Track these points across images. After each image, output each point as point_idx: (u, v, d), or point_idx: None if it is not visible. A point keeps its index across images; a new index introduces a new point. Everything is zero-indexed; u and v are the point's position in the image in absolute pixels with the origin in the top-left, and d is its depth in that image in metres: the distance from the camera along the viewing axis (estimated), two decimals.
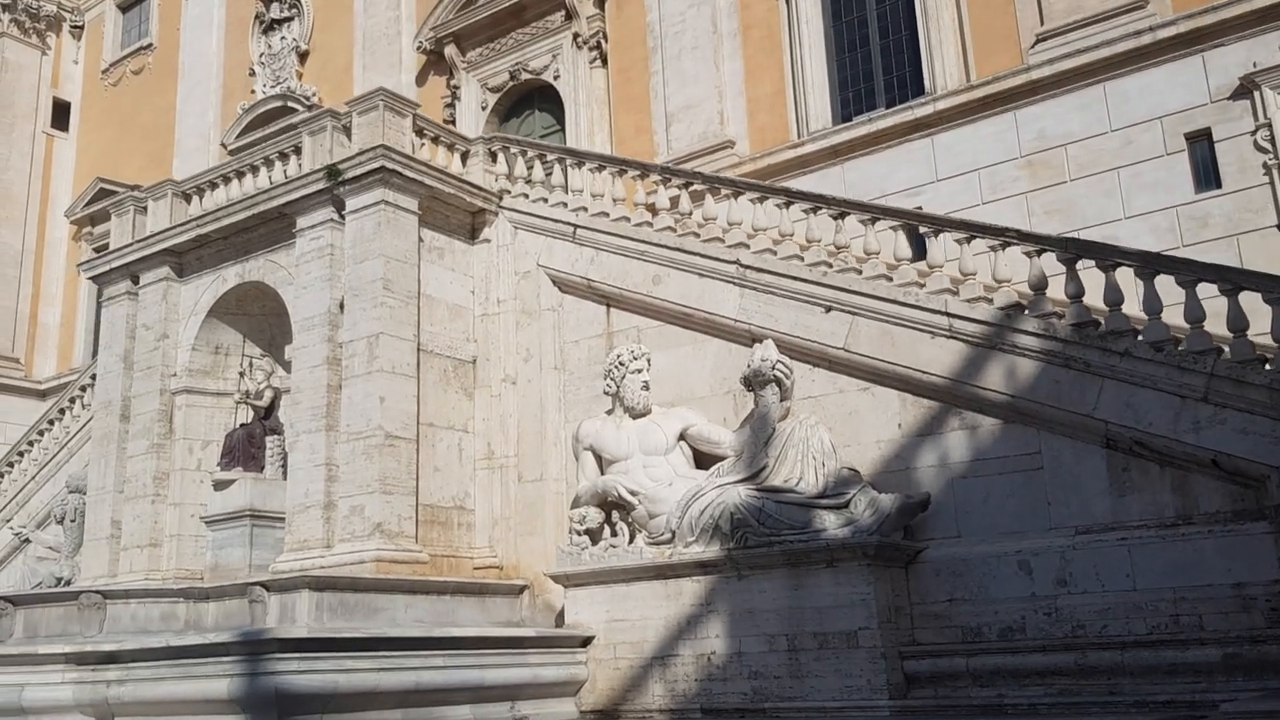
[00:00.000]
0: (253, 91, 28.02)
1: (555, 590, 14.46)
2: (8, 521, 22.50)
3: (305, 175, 15.49)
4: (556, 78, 22.16)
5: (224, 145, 27.70)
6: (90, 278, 18.35)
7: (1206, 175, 14.96)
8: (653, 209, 14.96)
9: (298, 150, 16.46)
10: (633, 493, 13.06)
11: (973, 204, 16.34)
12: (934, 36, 17.58)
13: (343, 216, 15.32)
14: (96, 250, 30.69)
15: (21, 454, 22.80)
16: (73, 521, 19.23)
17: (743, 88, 19.60)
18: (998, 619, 11.31)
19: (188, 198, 17.74)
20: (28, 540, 21.22)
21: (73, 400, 22.08)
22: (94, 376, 21.56)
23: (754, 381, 12.69)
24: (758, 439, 12.62)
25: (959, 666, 11.08)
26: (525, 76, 22.59)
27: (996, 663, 10.92)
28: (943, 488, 12.04)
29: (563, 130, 21.94)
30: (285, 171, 16.45)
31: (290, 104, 26.48)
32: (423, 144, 15.92)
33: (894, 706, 10.97)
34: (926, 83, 17.63)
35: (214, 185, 17.41)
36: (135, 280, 17.78)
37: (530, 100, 23.05)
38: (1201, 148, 15.06)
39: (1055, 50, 16.18)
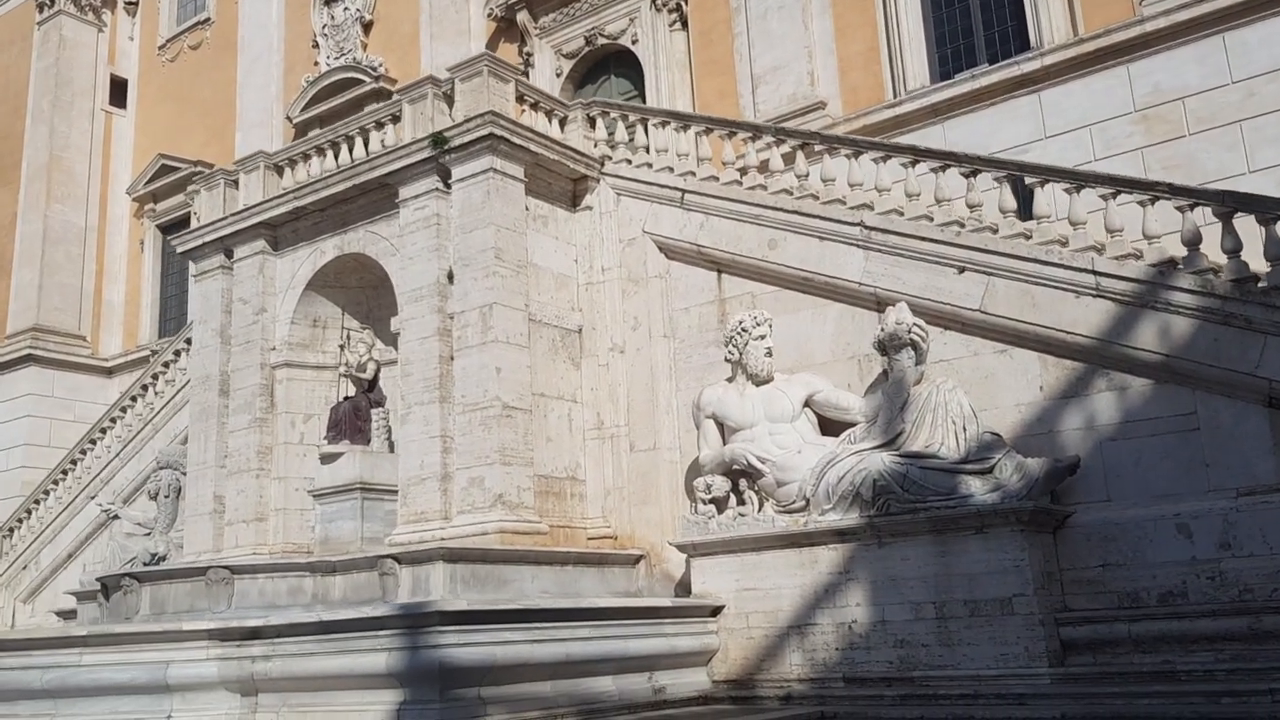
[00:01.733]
0: (316, 64, 27.74)
1: (674, 559, 14.29)
2: (92, 498, 22.56)
3: (408, 144, 15.24)
4: (634, 42, 21.78)
5: (289, 119, 27.48)
6: (182, 253, 18.20)
7: None
8: (766, 170, 14.62)
9: (395, 119, 16.21)
10: (762, 460, 12.83)
11: (1085, 160, 15.86)
12: None
13: (448, 185, 15.09)
14: (161, 228, 30.80)
15: (104, 430, 22.81)
16: (166, 497, 19.18)
17: (833, 46, 19.19)
18: (1156, 584, 11.03)
19: (280, 170, 17.54)
20: (116, 516, 21.20)
21: (155, 376, 22.04)
22: (176, 353, 21.61)
23: (889, 345, 12.40)
24: (893, 404, 12.34)
25: (1120, 633, 10.82)
26: (601, 41, 22.22)
27: (1161, 628, 10.65)
28: (1090, 451, 11.74)
29: (641, 96, 21.56)
30: (383, 141, 16.21)
31: (356, 75, 26.19)
32: (523, 110, 15.64)
33: (1055, 674, 10.73)
34: (1032, 37, 17.16)
35: (307, 157, 17.20)
36: (229, 254, 17.62)
37: (606, 66, 22.70)
38: None
39: (1170, 1, 15.69)
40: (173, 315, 30.33)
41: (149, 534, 20.36)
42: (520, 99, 15.57)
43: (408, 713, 9.84)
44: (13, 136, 32.09)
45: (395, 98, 16.40)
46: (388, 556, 12.58)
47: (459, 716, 9.80)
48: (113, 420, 22.68)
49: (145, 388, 22.17)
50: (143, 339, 30.32)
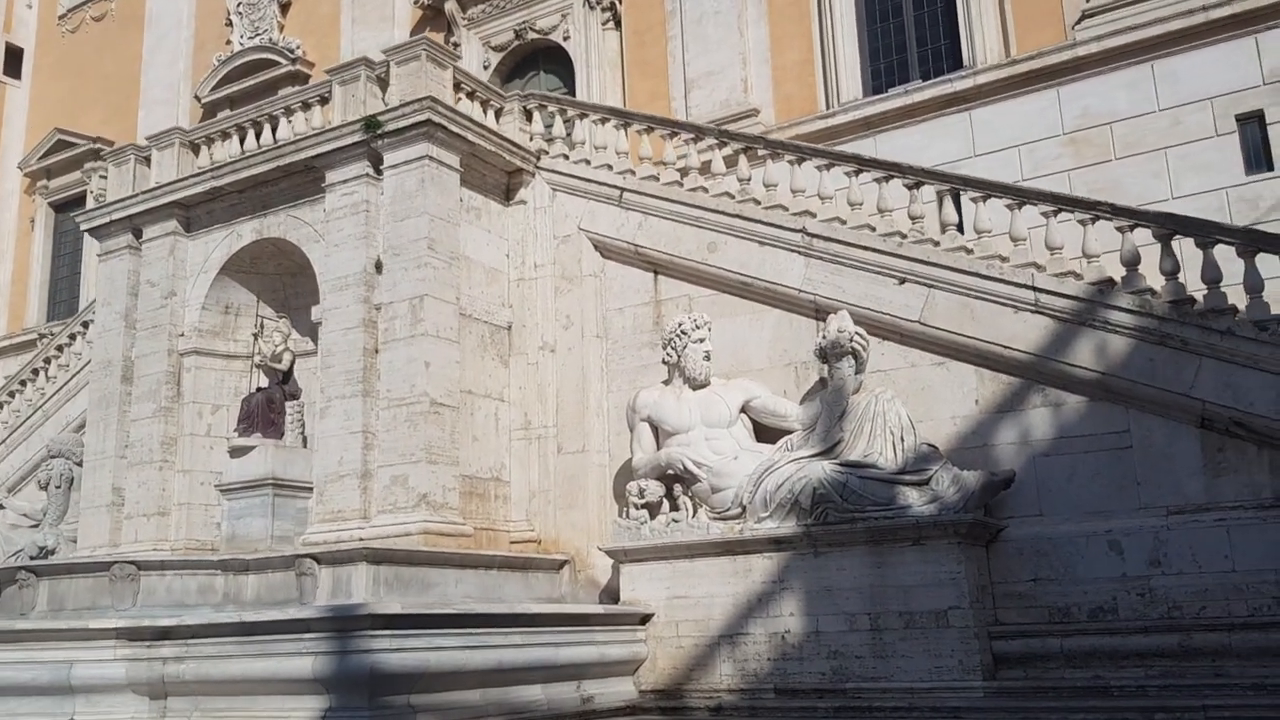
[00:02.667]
0: (228, 43, 26.73)
1: (600, 565, 14.02)
2: None
3: (338, 126, 14.68)
4: (566, 38, 21.46)
5: (198, 98, 26.45)
6: (86, 230, 17.29)
7: (1258, 157, 14.93)
8: (708, 173, 14.45)
9: (324, 100, 15.64)
10: (698, 465, 12.63)
11: (1013, 180, 16.03)
12: (973, 9, 17.28)
13: (379, 172, 14.57)
14: (54, 205, 29.36)
15: None
16: (57, 488, 18.20)
17: (768, 55, 19.15)
18: (1087, 599, 11.14)
19: (195, 148, 16.77)
20: (1, 507, 20.02)
21: (48, 360, 20.88)
22: (72, 336, 20.55)
23: (830, 353, 12.33)
24: (832, 412, 12.27)
25: (1052, 647, 10.90)
26: (532, 36, 21.84)
27: (1093, 643, 10.76)
28: (1024, 466, 11.83)
29: (571, 93, 21.16)
30: (310, 123, 15.61)
31: (272, 56, 25.33)
32: (459, 98, 15.20)
33: (989, 688, 10.75)
34: (965, 56, 17.36)
35: (226, 135, 16.47)
36: (137, 234, 16.77)
37: (535, 61, 22.34)
38: (1253, 129, 15.01)
39: (1102, 27, 16.01)
40: (63, 298, 28.92)
41: (36, 526, 19.28)
42: (457, 87, 15.13)
43: (335, 719, 9.35)
44: None
45: (325, 78, 15.77)
46: (307, 556, 12.02)
47: None
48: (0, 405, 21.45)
49: (36, 372, 20.99)
50: (29, 321, 28.84)
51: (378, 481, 13.55)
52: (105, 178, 27.95)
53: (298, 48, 25.16)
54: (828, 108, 18.30)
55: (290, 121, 15.91)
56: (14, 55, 31.29)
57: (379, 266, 14.34)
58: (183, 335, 16.12)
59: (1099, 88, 16.11)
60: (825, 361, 12.47)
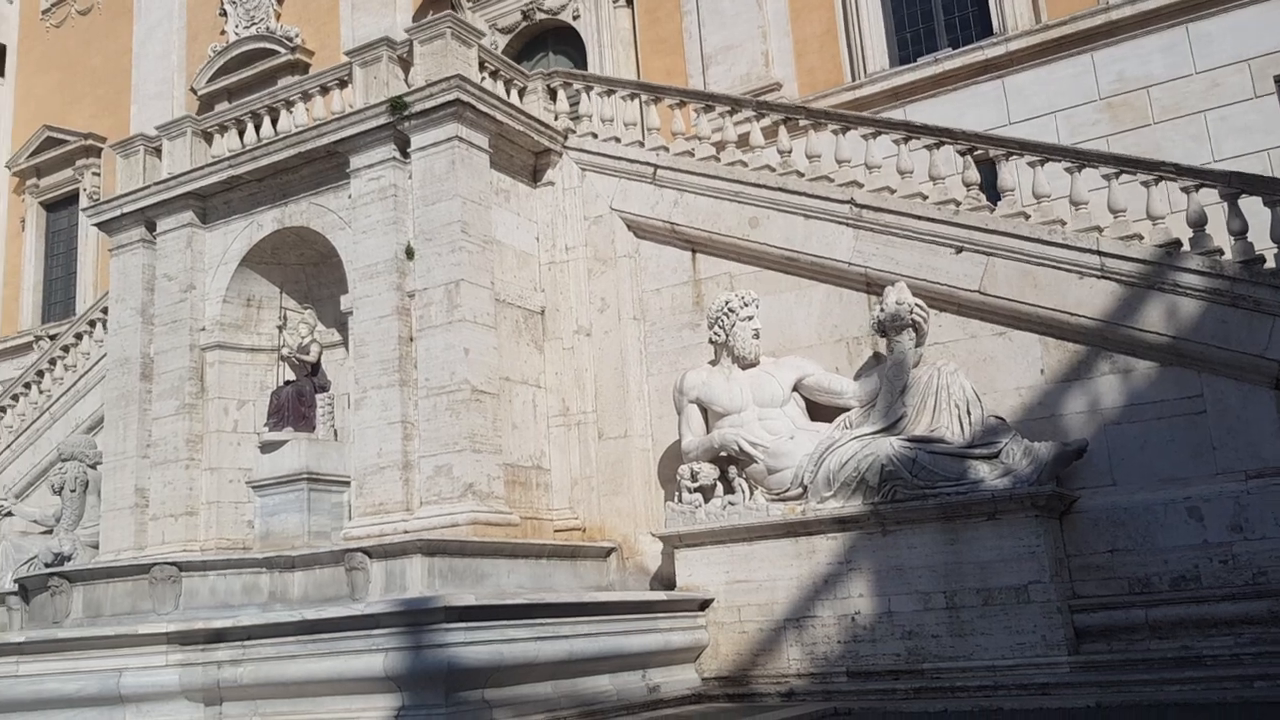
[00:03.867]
0: (223, 33, 26.13)
1: (648, 552, 13.65)
2: None
3: (363, 109, 14.18)
4: (576, 17, 21.01)
5: (193, 90, 25.85)
6: (96, 224, 16.69)
7: None
8: (745, 145, 14.06)
9: (343, 83, 15.16)
10: (754, 445, 12.25)
11: None
12: None
13: (406, 155, 14.10)
14: (45, 205, 28.71)
15: None
16: (72, 491, 17.63)
17: (788, 28, 18.79)
18: (1168, 568, 10.83)
19: (209, 137, 16.25)
20: (9, 513, 19.45)
21: (53, 361, 20.30)
22: (78, 335, 20.01)
23: (889, 326, 11.96)
24: (893, 387, 11.92)
25: (1136, 618, 10.59)
26: (540, 16, 21.39)
27: (1179, 613, 10.45)
28: (1094, 435, 11.51)
29: None
30: (329, 107, 15.13)
31: (270, 46, 24.78)
32: (482, 77, 14.73)
33: (1074, 662, 10.43)
34: (994, 23, 17.03)
35: (241, 123, 15.96)
36: (150, 227, 16.23)
37: (544, 42, 21.88)
38: None
39: None
40: (58, 299, 28.28)
41: (49, 531, 18.74)
42: (481, 66, 14.66)
43: (410, 717, 8.94)
44: None
45: (343, 61, 15.32)
46: (358, 550, 11.59)
47: None
48: (2, 409, 20.81)
49: (41, 374, 20.39)
50: (24, 324, 28.17)
51: (420, 472, 13.11)
52: (99, 174, 27.52)
53: (296, 36, 24.60)
54: (853, 79, 17.94)
55: (308, 107, 15.43)
56: None
57: (410, 252, 13.88)
58: (204, 329, 15.61)
59: (1134, 52, 15.83)
60: (884, 335, 12.11)
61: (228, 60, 25.30)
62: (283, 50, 24.49)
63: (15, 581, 13.67)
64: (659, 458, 14.03)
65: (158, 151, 16.60)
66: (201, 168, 15.63)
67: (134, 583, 11.68)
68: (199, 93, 25.59)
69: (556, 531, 14.01)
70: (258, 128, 15.75)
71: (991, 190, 13.07)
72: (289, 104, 15.57)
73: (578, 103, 15.38)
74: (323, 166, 14.87)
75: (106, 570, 12.06)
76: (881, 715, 10.29)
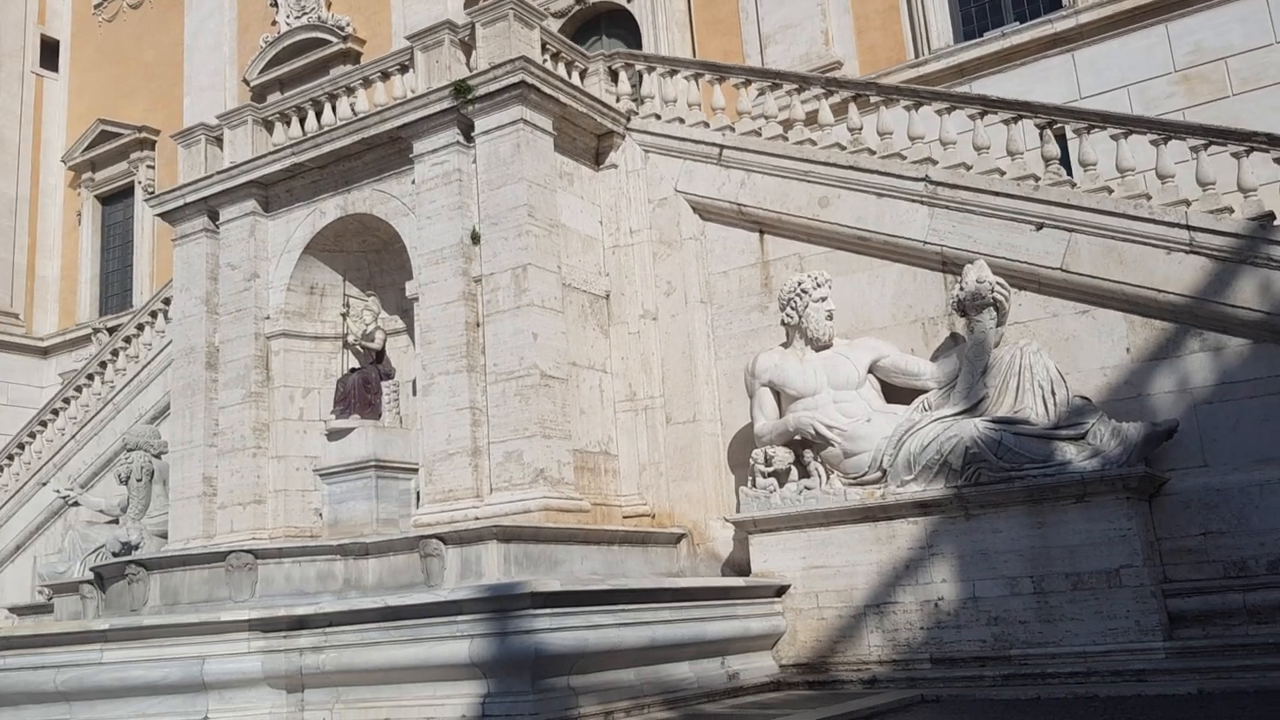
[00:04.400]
0: (274, 24, 26.16)
1: (719, 538, 13.48)
2: (44, 484, 20.88)
3: (426, 94, 14.06)
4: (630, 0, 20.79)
5: (246, 81, 25.90)
6: (159, 214, 16.71)
7: None
8: (814, 123, 13.80)
9: (404, 68, 15.06)
10: (830, 428, 12.03)
11: None
12: None
13: (469, 139, 13.98)
14: (101, 198, 28.93)
15: (56, 411, 21.13)
16: (138, 481, 17.69)
17: (848, 4, 18.48)
18: (1264, 551, 10.50)
19: (269, 125, 16.21)
20: (75, 503, 19.63)
21: (115, 353, 20.45)
22: (140, 326, 20.12)
23: (969, 305, 11.68)
24: (974, 368, 11.64)
25: (1234, 603, 10.27)
26: None
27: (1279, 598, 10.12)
28: (1183, 414, 11.19)
29: None
30: (390, 93, 15.03)
31: (321, 35, 24.77)
32: (545, 59, 14.56)
33: (1169, 648, 10.14)
34: None
35: (301, 111, 15.90)
36: (213, 216, 16.23)
37: (597, 26, 21.68)
38: None
39: None
40: (115, 291, 28.53)
41: (113, 521, 18.87)
42: (543, 48, 14.50)
43: (495, 705, 8.84)
44: None
45: (405, 45, 15.19)
46: (433, 537, 11.51)
47: (552, 709, 8.82)
48: (66, 401, 21.01)
49: (104, 365, 20.56)
50: (81, 317, 28.44)
51: (490, 458, 13.01)
52: (153, 167, 27.71)
53: (347, 25, 24.57)
54: (916, 56, 17.61)
55: (369, 93, 15.35)
56: (50, 48, 30.81)
57: (475, 237, 13.76)
58: (268, 318, 15.59)
59: (1210, 22, 15.40)
60: (963, 315, 11.83)
61: (279, 51, 25.32)
62: (334, 40, 24.48)
63: (91, 570, 13.73)
64: (728, 442, 13.86)
65: (219, 141, 16.60)
66: (264, 156, 15.60)
67: (210, 570, 11.67)
68: (251, 83, 25.64)
69: (625, 518, 13.86)
70: (318, 115, 15.69)
71: (1067, 167, 12.77)
72: (349, 90, 15.50)
73: (637, 85, 15.17)
74: (385, 152, 14.79)
75: (183, 558, 12.06)
76: (972, 703, 10.07)
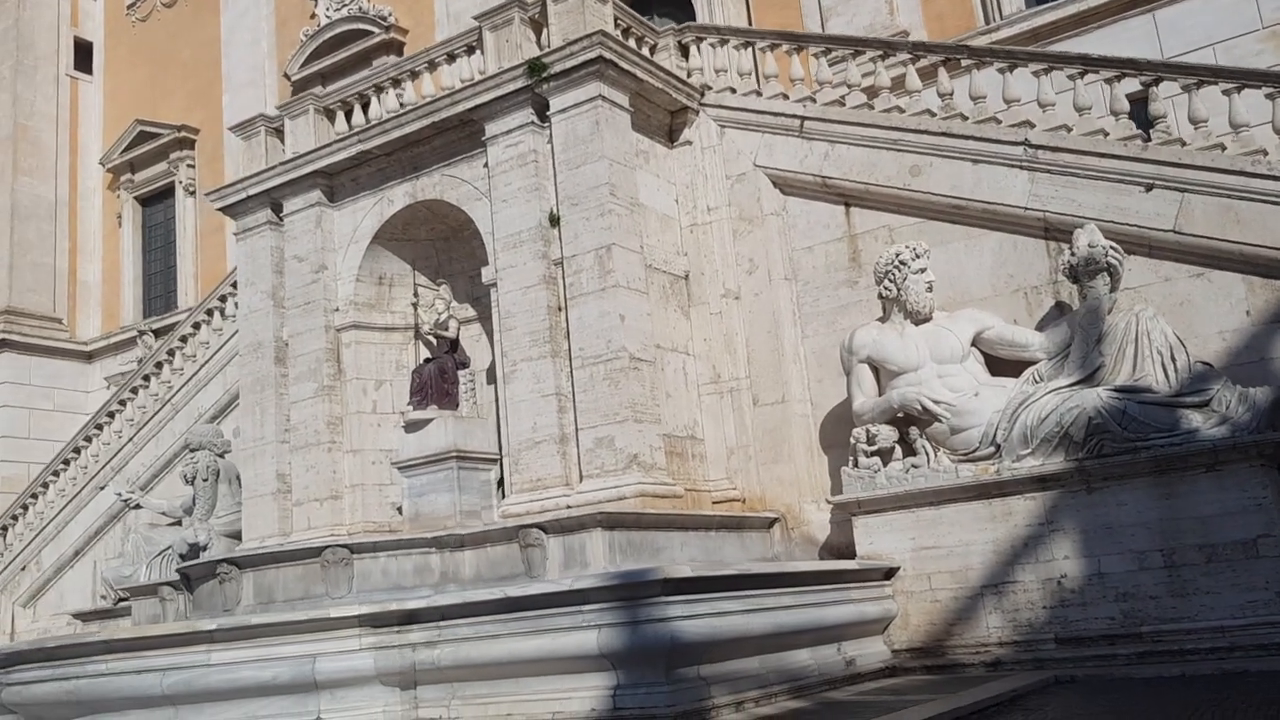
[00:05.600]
0: (313, 16, 25.85)
1: (815, 521, 13.12)
2: (101, 488, 20.66)
3: (498, 74, 13.69)
4: None
5: (287, 76, 25.60)
6: (220, 209, 16.40)
7: None
8: (901, 90, 13.36)
9: (470, 50, 14.68)
10: (937, 403, 11.61)
11: None
12: None
13: (544, 119, 13.60)
14: (141, 199, 28.69)
15: (112, 414, 20.90)
16: (204, 481, 17.35)
17: None
18: None
19: (331, 114, 15.87)
20: (137, 506, 19.37)
21: (171, 353, 20.20)
22: (196, 325, 19.88)
23: (1081, 271, 11.24)
24: (1088, 336, 11.20)
25: None
26: None
27: None
28: None
29: None
30: (458, 75, 14.66)
31: (363, 26, 24.42)
32: (617, 34, 14.15)
33: None
34: None
35: (364, 97, 15.58)
36: (276, 209, 15.90)
37: (647, 3, 21.21)
38: None
39: None
40: (158, 293, 28.31)
41: (175, 523, 18.61)
42: (614, 23, 14.10)
43: (628, 697, 8.47)
44: None
45: (472, 25, 14.83)
46: (533, 526, 11.16)
47: (687, 699, 8.46)
48: (121, 403, 20.80)
49: (160, 365, 20.30)
50: (125, 320, 28.22)
51: (579, 445, 12.65)
52: (193, 166, 27.46)
53: (389, 15, 24.21)
54: (987, 23, 17.14)
55: (434, 76, 15.00)
56: (83, 50, 30.59)
57: (553, 219, 13.39)
58: (337, 310, 15.26)
59: None
60: (1075, 281, 11.39)
61: (320, 44, 24.99)
62: (376, 30, 24.13)
63: (177, 571, 13.44)
64: (819, 423, 13.48)
65: (278, 133, 16.29)
66: (328, 145, 15.27)
67: (305, 566, 11.36)
68: (293, 78, 25.32)
69: (714, 503, 13.50)
70: (382, 102, 15.35)
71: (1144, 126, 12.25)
72: (414, 75, 15.17)
73: (709, 59, 14.75)
74: (455, 136, 14.44)
75: (275, 555, 11.75)
76: (1112, 682, 9.65)
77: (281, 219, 15.85)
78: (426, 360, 14.73)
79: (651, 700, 8.36)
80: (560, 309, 13.19)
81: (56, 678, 9.91)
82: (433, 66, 15.00)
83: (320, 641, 9.41)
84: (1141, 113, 12.30)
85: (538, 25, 14.06)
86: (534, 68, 13.39)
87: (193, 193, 27.32)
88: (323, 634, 9.42)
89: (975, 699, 8.59)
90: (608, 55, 13.04)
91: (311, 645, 9.40)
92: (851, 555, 12.25)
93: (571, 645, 8.72)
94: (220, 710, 9.36)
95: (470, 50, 14.65)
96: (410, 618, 9.50)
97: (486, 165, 14.02)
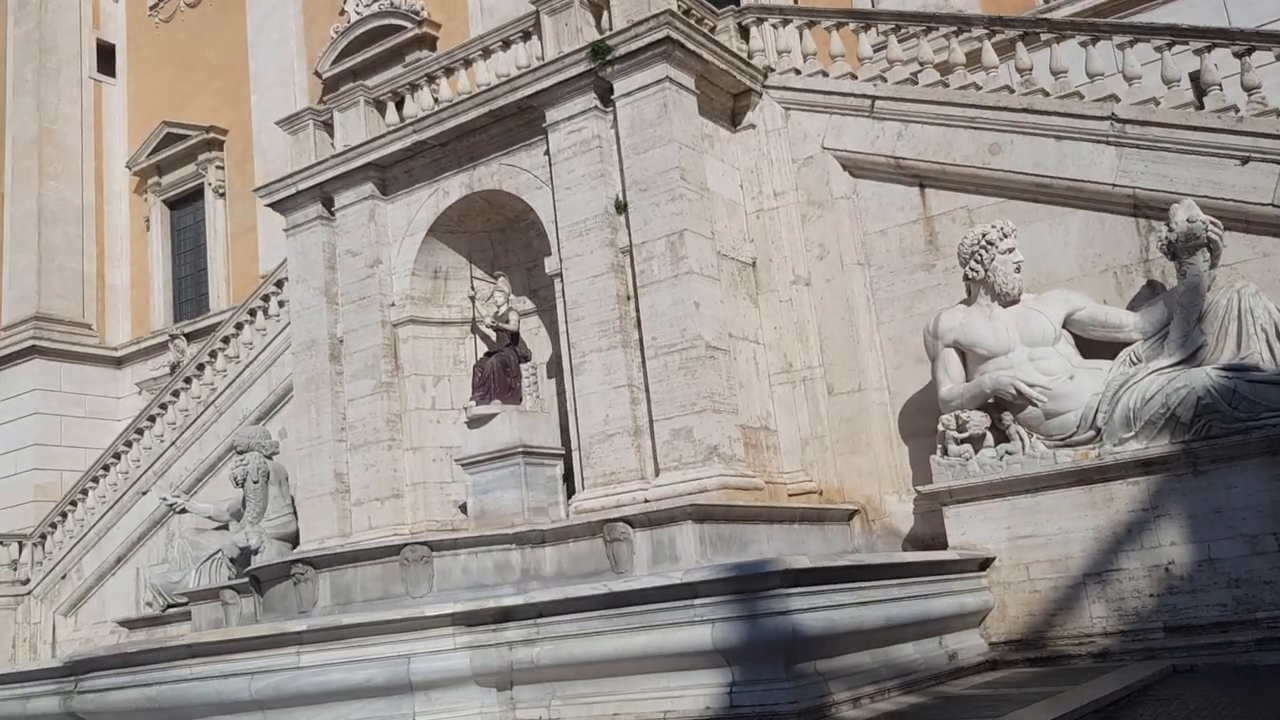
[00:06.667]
0: (342, 13, 25.54)
1: (897, 513, 12.77)
2: (144, 493, 20.34)
3: (559, 58, 13.34)
4: None
5: (318, 74, 25.29)
6: (269, 204, 16.07)
7: None
8: (977, 66, 12.99)
9: (526, 35, 14.33)
10: (1032, 386, 11.22)
11: None
12: None
13: (607, 103, 13.25)
14: (169, 202, 28.39)
15: (152, 418, 20.57)
16: (255, 483, 16.98)
17: None
18: None
19: (381, 106, 15.53)
20: (183, 510, 18.99)
21: (213, 354, 19.85)
22: (239, 326, 19.55)
23: (1180, 248, 10.85)
24: (1188, 315, 10.81)
25: None
26: None
27: None
28: None
29: None
30: (514, 62, 14.31)
31: (395, 22, 24.08)
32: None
33: None
34: None
35: (415, 87, 15.24)
36: (327, 203, 15.56)
37: None
38: None
39: None
40: (188, 297, 27.98)
41: (222, 527, 18.27)
42: (676, 3, 13.73)
43: (746, 694, 8.10)
44: None
45: (509, 16, 14.50)
46: (618, 520, 10.81)
47: (808, 696, 8.09)
48: (162, 406, 20.46)
49: (201, 367, 19.97)
50: (155, 324, 27.90)
51: (654, 437, 12.28)
52: (222, 168, 27.14)
53: (421, 9, 23.88)
54: (1045, 0, 16.74)
55: (488, 64, 14.65)
56: (106, 52, 30.32)
57: (619, 206, 13.04)
58: (393, 305, 14.92)
59: None
60: (1173, 258, 11.00)
61: (351, 41, 24.66)
62: (409, 25, 23.80)
63: (246, 574, 13.09)
64: (898, 411, 13.11)
65: (326, 126, 15.94)
66: (381, 136, 14.91)
67: (384, 565, 11.01)
68: (324, 76, 25.01)
69: (790, 495, 13.13)
70: (434, 91, 15.02)
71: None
72: (467, 62, 14.83)
73: (772, 40, 14.40)
74: (513, 124, 14.10)
75: (353, 554, 11.38)
76: (1234, 671, 9.28)
77: (333, 213, 15.51)
78: (487, 354, 14.37)
79: (772, 697, 7.98)
80: (629, 298, 12.84)
81: (136, 684, 9.55)
82: (487, 54, 14.65)
83: (413, 641, 9.05)
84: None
85: (597, 8, 13.71)
86: (597, 51, 13.04)
87: (222, 194, 27.02)
88: (416, 634, 9.06)
89: (1108, 690, 8.23)
90: (675, 35, 12.68)
91: (404, 645, 9.04)
92: (936, 547, 11.90)
93: (682, 641, 8.34)
94: (311, 714, 9.00)
95: (526, 36, 14.29)
96: (505, 615, 9.14)
97: (547, 153, 13.68)
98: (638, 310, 12.72)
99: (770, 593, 8.08)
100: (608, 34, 13.13)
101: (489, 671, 9.04)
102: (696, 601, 8.35)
